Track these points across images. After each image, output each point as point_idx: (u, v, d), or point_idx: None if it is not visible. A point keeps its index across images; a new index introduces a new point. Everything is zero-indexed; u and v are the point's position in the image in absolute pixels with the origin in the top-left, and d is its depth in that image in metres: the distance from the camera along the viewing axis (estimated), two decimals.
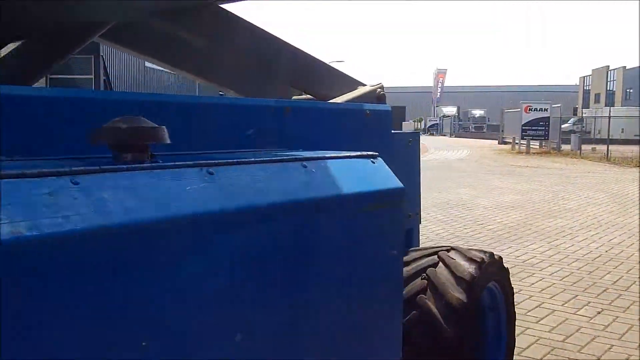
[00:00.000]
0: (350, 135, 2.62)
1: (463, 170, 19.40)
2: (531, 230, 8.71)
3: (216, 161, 1.45)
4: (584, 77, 78.79)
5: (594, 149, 27.52)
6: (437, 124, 66.40)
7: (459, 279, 2.54)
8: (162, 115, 1.92)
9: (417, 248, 2.84)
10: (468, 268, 2.59)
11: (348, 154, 1.89)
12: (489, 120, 62.57)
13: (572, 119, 48.47)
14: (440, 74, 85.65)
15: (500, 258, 2.87)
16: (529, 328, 4.62)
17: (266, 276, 1.46)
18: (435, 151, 31.31)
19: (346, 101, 2.89)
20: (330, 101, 2.89)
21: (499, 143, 35.96)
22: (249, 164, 1.53)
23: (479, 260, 2.64)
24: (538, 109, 29.25)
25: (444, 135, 58.43)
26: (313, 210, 1.60)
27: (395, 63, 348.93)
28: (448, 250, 2.72)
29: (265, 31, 2.84)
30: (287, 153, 1.80)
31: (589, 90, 75.39)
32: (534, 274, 6.28)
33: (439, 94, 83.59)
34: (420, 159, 3.37)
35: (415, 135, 3.21)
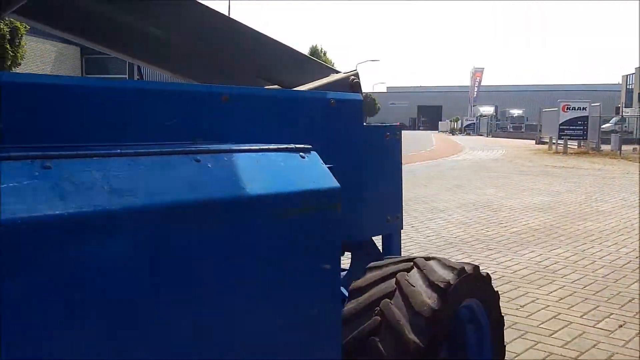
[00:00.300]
0: (308, 127, 2.30)
1: (495, 170, 18.81)
2: (557, 234, 8.22)
3: (58, 153, 1.15)
4: (626, 75, 76.52)
5: (635, 149, 26.49)
6: (474, 123, 65.29)
7: (416, 316, 2.11)
8: (58, 101, 1.64)
9: (377, 264, 2.41)
10: (428, 299, 2.14)
11: (268, 147, 1.58)
12: (527, 120, 61.28)
13: (613, 119, 46.94)
14: (477, 72, 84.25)
15: (475, 269, 2.45)
16: (540, 342, 4.22)
17: (114, 298, 1.15)
18: (469, 151, 30.66)
19: (311, 89, 2.57)
20: (294, 89, 2.57)
21: (536, 143, 35.01)
22: (108, 157, 1.22)
23: (442, 285, 2.19)
24: (576, 108, 28.31)
25: (481, 135, 57.38)
26: (193, 214, 1.29)
27: (432, 62, 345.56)
28: (409, 270, 2.30)
29: (222, 14, 2.54)
30: (184, 146, 1.49)
31: (632, 89, 73.16)
32: (554, 281, 5.84)
33: (475, 93, 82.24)
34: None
35: (394, 129, 2.85)
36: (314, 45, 55.42)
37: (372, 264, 2.40)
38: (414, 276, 2.25)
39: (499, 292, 5.37)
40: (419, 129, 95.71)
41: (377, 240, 3.12)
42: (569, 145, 27.70)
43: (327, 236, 1.60)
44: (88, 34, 2.66)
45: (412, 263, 2.33)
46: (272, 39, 2.67)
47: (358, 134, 2.54)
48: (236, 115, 2.05)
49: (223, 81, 2.65)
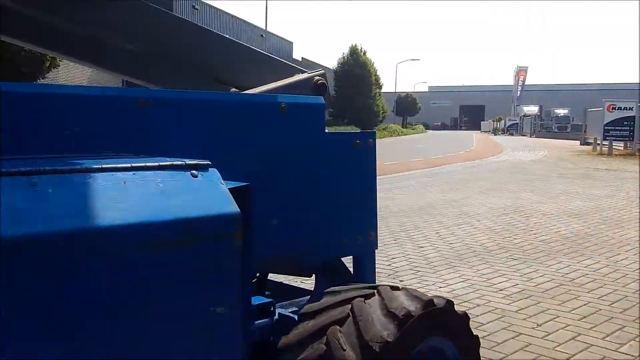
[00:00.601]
0: (250, 136, 2.01)
1: (533, 172, 18.17)
2: (590, 242, 7.73)
3: None
4: None
5: None
6: (517, 123, 64.01)
7: None
8: None
9: (311, 309, 2.04)
10: None
11: (144, 164, 1.30)
12: (573, 120, 59.69)
13: None
14: (521, 71, 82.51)
15: (427, 305, 2.02)
16: None
17: None
18: (510, 152, 29.92)
19: (264, 91, 2.28)
20: (245, 92, 2.28)
21: (581, 144, 33.92)
22: None
23: (378, 347, 1.80)
24: (622, 108, 27.29)
25: (524, 135, 56.18)
26: (15, 255, 1.02)
27: (475, 61, 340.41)
28: (343, 321, 1.91)
29: (168, 12, 2.27)
30: (17, 165, 1.20)
31: None
32: (579, 296, 5.41)
33: (519, 92, 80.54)
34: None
35: (366, 136, 2.51)
36: (354, 44, 54.98)
37: (305, 309, 2.04)
38: (348, 330, 1.89)
39: (517, 308, 5.04)
40: (460, 129, 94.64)
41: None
42: (614, 147, 26.72)
43: (223, 272, 1.32)
44: (37, 41, 2.46)
45: (348, 309, 1.95)
46: (228, 38, 2.41)
47: (317, 142, 2.24)
48: (156, 123, 1.78)
49: (176, 85, 2.40)
